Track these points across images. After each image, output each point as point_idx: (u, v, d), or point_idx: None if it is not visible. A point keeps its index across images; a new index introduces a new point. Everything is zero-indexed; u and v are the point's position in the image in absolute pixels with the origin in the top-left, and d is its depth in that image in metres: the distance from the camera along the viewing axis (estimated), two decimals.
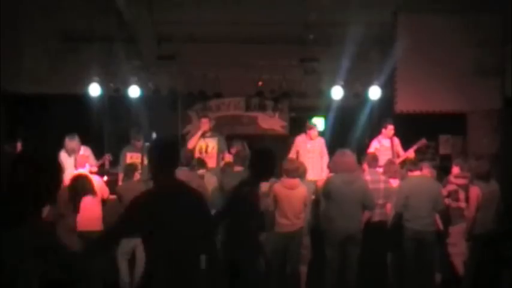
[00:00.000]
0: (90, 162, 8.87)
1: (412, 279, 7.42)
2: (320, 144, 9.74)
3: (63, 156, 8.85)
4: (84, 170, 7.91)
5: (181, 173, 6.61)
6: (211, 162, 9.60)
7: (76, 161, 8.10)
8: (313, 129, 9.72)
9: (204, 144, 9.98)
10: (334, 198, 7.23)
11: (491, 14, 10.48)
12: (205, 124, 10.12)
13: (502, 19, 10.41)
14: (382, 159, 8.72)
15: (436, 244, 7.62)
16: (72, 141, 8.83)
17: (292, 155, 9.41)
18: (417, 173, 7.76)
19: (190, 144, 9.85)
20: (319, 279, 7.52)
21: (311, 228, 7.66)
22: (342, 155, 7.65)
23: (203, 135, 10.03)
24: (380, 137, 9.82)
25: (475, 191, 7.51)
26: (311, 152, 9.46)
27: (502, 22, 10.43)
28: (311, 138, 9.68)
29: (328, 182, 7.50)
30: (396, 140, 9.78)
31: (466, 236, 7.65)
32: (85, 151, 9.06)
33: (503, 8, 9.90)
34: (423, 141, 9.65)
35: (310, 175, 8.49)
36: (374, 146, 9.59)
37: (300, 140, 9.78)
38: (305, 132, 9.79)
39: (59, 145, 9.04)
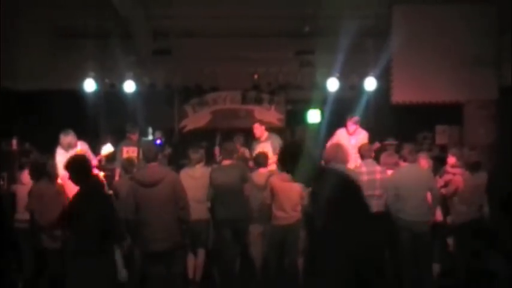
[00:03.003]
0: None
1: (409, 270, 7.41)
2: (364, 139, 9.42)
3: (59, 152, 8.79)
4: None
5: (151, 168, 6.69)
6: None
7: None
8: (350, 123, 9.50)
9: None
10: None
11: (487, 4, 10.48)
12: (257, 130, 10.02)
13: (498, 9, 10.40)
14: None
15: (430, 234, 7.60)
16: (67, 137, 8.74)
17: None
18: (407, 163, 7.72)
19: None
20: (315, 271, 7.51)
21: (308, 220, 7.64)
22: (335, 147, 7.66)
23: (259, 141, 9.93)
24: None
25: (458, 179, 7.63)
26: (355, 147, 8.87)
27: (498, 12, 10.42)
28: (349, 133, 9.50)
29: None
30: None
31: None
32: (82, 146, 9.00)
33: None
34: (376, 145, 9.54)
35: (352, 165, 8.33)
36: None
37: (343, 135, 9.53)
38: (344, 125, 9.59)
39: (55, 141, 9.01)
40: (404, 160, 7.71)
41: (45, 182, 7.26)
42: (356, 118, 9.53)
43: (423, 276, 7.47)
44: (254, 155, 8.96)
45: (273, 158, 8.66)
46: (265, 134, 9.98)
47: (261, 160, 8.14)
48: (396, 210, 7.43)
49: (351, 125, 9.49)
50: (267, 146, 9.63)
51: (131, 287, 7.59)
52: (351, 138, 9.45)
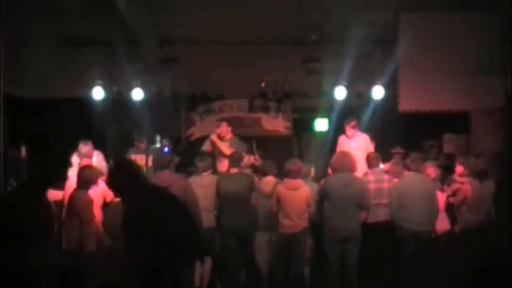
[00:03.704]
0: (102, 167, 8.87)
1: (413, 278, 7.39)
2: (365, 140, 9.52)
3: (75, 160, 8.83)
4: None
5: (163, 176, 6.72)
6: (223, 166, 9.37)
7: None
8: (348, 127, 9.49)
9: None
10: (333, 199, 7.23)
11: (494, 12, 10.45)
12: (224, 128, 10.04)
13: (505, 17, 10.37)
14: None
15: (433, 243, 7.58)
16: (85, 146, 8.80)
17: None
18: (411, 172, 7.71)
19: (205, 147, 9.80)
20: (322, 279, 7.51)
21: (315, 229, 7.64)
22: (342, 155, 7.67)
23: (222, 139, 9.91)
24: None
25: (466, 187, 7.61)
26: (357, 149, 9.04)
27: (505, 20, 10.40)
28: (348, 137, 9.50)
29: (327, 182, 7.51)
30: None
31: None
32: (98, 156, 9.03)
33: (506, 6, 9.88)
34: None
35: (360, 172, 8.28)
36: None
37: (343, 139, 9.57)
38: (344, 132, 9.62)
39: (63, 149, 9.04)
40: (408, 169, 7.70)
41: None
42: (353, 122, 9.53)
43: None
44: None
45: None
46: (230, 135, 9.88)
47: (267, 168, 8.15)
48: (399, 219, 7.41)
49: (349, 129, 9.48)
50: (225, 145, 9.63)
51: None
52: (351, 141, 9.45)
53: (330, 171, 7.98)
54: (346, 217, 7.16)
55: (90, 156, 8.55)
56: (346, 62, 10.79)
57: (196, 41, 11.51)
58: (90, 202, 6.93)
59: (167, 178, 6.74)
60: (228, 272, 7.78)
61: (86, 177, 7.00)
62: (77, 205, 6.82)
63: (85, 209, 6.85)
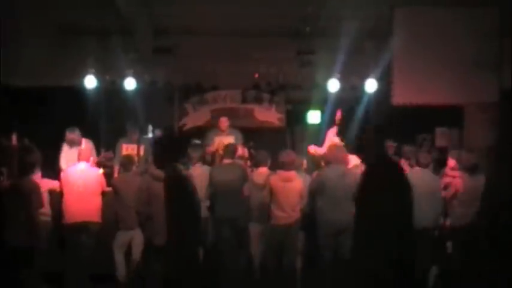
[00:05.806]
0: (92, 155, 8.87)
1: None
2: None
3: (64, 149, 8.84)
4: (88, 164, 7.95)
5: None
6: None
7: (80, 154, 8.09)
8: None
9: (221, 144, 9.66)
10: (327, 191, 7.24)
11: (489, 6, 10.46)
12: (224, 123, 10.10)
13: (500, 12, 10.39)
14: None
15: (434, 240, 7.62)
16: (71, 134, 8.83)
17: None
18: (419, 168, 7.73)
19: (211, 149, 9.84)
20: (314, 271, 7.53)
21: (307, 221, 7.65)
22: (335, 147, 7.69)
23: (222, 133, 9.96)
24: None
25: (457, 181, 7.63)
26: None
27: (500, 15, 10.41)
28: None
29: (322, 174, 7.51)
30: None
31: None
32: (86, 144, 9.03)
33: (501, 1, 9.89)
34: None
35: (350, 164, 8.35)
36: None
37: (333, 132, 9.63)
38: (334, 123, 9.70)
39: (55, 137, 9.03)
40: (418, 164, 7.71)
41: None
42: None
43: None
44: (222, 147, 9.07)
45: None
46: (229, 128, 10.22)
47: (261, 159, 8.15)
48: None
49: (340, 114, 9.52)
50: (230, 139, 9.75)
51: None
52: None
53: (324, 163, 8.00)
54: (340, 209, 7.14)
55: (77, 144, 8.59)
56: (340, 55, 10.78)
57: (191, 32, 11.47)
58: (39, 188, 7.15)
59: None
60: (220, 262, 7.79)
61: (29, 162, 7.29)
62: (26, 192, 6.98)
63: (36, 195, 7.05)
